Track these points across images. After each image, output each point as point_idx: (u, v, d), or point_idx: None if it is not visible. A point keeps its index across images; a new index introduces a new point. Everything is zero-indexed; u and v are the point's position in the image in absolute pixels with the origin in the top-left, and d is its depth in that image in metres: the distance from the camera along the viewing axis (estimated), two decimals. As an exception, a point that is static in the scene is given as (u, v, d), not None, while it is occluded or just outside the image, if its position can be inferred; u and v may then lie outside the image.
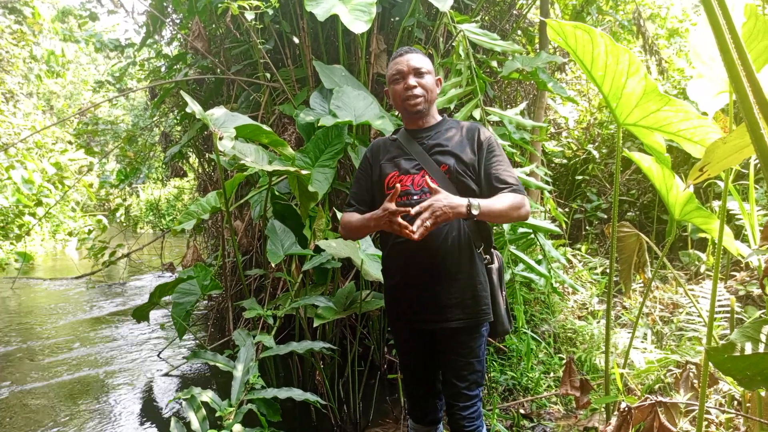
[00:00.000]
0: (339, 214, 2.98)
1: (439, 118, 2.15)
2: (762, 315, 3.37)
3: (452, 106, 3.40)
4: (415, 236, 1.72)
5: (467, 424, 2.02)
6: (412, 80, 2.02)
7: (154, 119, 6.87)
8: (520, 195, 1.93)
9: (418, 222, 1.73)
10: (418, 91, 2.03)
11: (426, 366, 2.14)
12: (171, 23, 5.30)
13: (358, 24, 3.01)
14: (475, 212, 1.79)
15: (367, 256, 3.01)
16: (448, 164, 1.99)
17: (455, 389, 2.02)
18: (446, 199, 1.77)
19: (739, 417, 2.39)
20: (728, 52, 1.06)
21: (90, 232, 7.81)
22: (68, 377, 4.28)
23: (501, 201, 1.88)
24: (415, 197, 1.97)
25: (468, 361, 2.01)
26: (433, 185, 1.80)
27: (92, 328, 5.74)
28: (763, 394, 1.92)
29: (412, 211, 1.75)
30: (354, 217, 2.06)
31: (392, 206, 1.78)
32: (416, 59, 2.05)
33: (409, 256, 1.98)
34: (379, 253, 3.05)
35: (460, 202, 1.78)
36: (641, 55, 6.21)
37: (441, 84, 2.19)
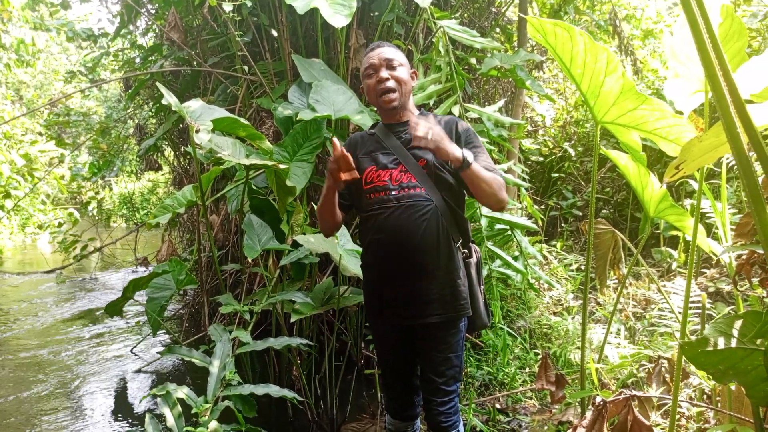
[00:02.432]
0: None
1: (416, 112, 2.14)
2: (731, 311, 3.45)
3: (431, 102, 3.40)
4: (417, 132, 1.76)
5: (444, 419, 2.03)
6: (384, 73, 2.00)
7: (128, 111, 6.74)
8: (502, 179, 1.94)
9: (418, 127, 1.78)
10: (391, 83, 2.00)
11: (404, 361, 2.14)
12: (146, 13, 5.19)
13: (338, 18, 2.98)
14: (470, 159, 1.82)
15: (346, 252, 2.99)
16: (427, 159, 1.98)
17: (433, 384, 2.02)
18: (443, 134, 1.81)
19: (710, 410, 2.45)
20: (706, 51, 1.08)
21: (61, 225, 7.63)
22: (38, 374, 4.18)
23: (488, 172, 1.90)
24: (393, 192, 1.96)
25: (446, 356, 2.01)
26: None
27: (63, 323, 5.62)
28: (732, 388, 1.96)
29: (412, 122, 1.79)
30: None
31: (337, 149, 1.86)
32: (388, 52, 2.03)
33: (387, 252, 1.97)
34: (358, 248, 3.04)
35: (456, 147, 1.83)
36: (617, 55, 6.30)
37: (416, 77, 2.17)
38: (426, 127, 1.76)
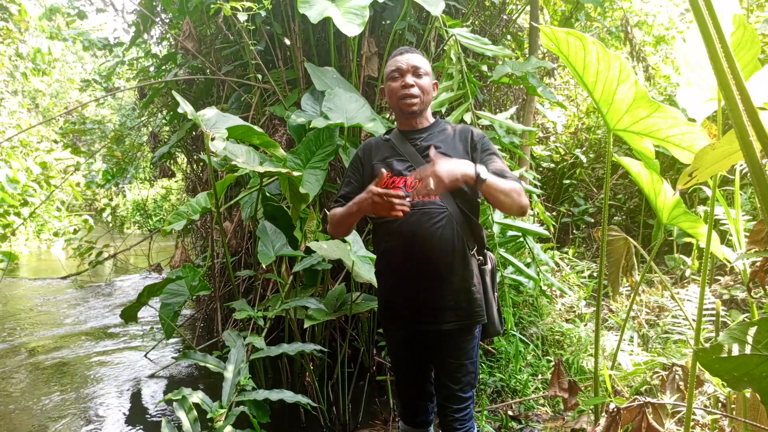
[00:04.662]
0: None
1: (432, 119, 2.14)
2: (746, 318, 3.42)
3: (443, 110, 3.42)
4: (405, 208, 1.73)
5: (459, 426, 2.03)
6: (410, 79, 2.01)
7: (142, 119, 6.84)
8: (519, 185, 1.91)
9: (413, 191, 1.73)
10: (414, 90, 2.01)
11: (418, 368, 2.14)
12: (161, 23, 5.27)
13: (350, 27, 3.02)
14: (483, 176, 1.77)
15: (358, 258, 3.01)
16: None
17: (449, 391, 2.03)
18: (447, 164, 1.73)
19: (725, 418, 2.43)
20: (718, 61, 1.09)
21: (76, 231, 7.73)
22: (53, 378, 4.23)
23: (505, 181, 1.86)
24: (407, 200, 1.97)
25: (461, 363, 2.01)
26: (433, 153, 1.76)
27: (78, 329, 5.68)
28: (748, 395, 1.95)
29: (411, 178, 1.72)
30: (339, 210, 2.05)
31: (377, 189, 1.77)
32: (416, 59, 2.04)
33: (402, 259, 1.98)
34: (371, 254, 3.06)
35: (468, 165, 1.77)
36: (629, 61, 6.29)
37: (437, 88, 2.19)
38: (444, 167, 1.72)
